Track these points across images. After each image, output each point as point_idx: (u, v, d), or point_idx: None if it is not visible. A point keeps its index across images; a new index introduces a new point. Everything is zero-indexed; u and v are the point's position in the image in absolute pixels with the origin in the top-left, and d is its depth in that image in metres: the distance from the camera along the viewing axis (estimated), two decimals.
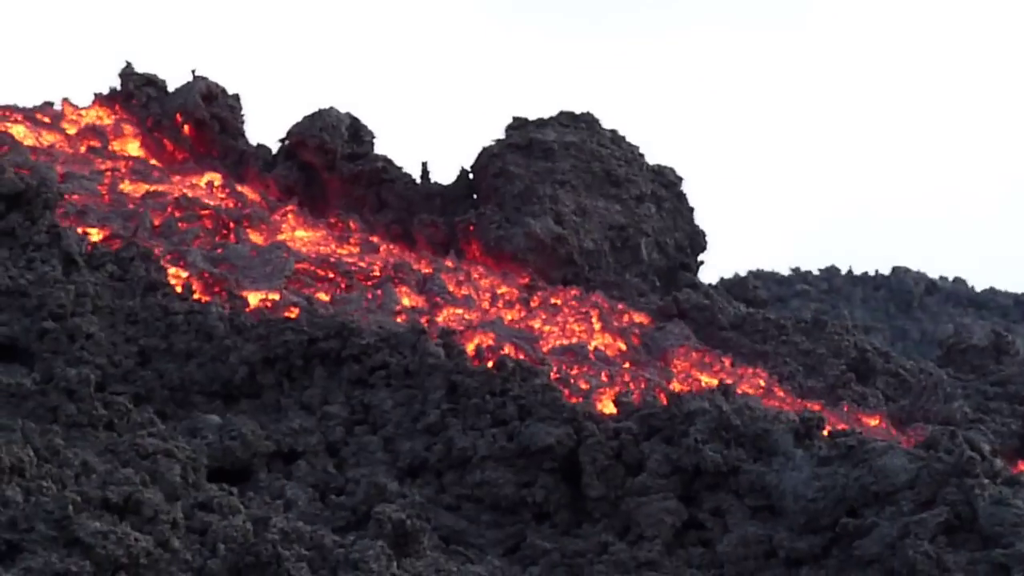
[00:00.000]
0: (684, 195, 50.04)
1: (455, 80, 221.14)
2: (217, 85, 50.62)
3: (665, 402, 31.60)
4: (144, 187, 44.24)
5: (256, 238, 42.46)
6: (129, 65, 51.32)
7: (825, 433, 29.41)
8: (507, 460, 29.79)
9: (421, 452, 30.48)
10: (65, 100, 50.14)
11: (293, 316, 34.90)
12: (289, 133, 49.47)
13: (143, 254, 36.74)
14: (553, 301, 42.19)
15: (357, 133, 49.69)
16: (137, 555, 21.57)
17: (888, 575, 25.91)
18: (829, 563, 26.89)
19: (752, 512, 28.44)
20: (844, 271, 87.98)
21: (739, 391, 36.79)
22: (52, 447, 24.43)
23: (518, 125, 48.78)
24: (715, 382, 35.80)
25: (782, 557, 27.26)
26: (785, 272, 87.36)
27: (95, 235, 38.91)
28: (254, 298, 37.16)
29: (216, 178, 46.93)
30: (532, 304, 42.00)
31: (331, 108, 49.64)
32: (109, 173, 44.85)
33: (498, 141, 48.34)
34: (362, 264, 41.93)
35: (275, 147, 50.28)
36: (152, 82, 51.00)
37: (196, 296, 36.08)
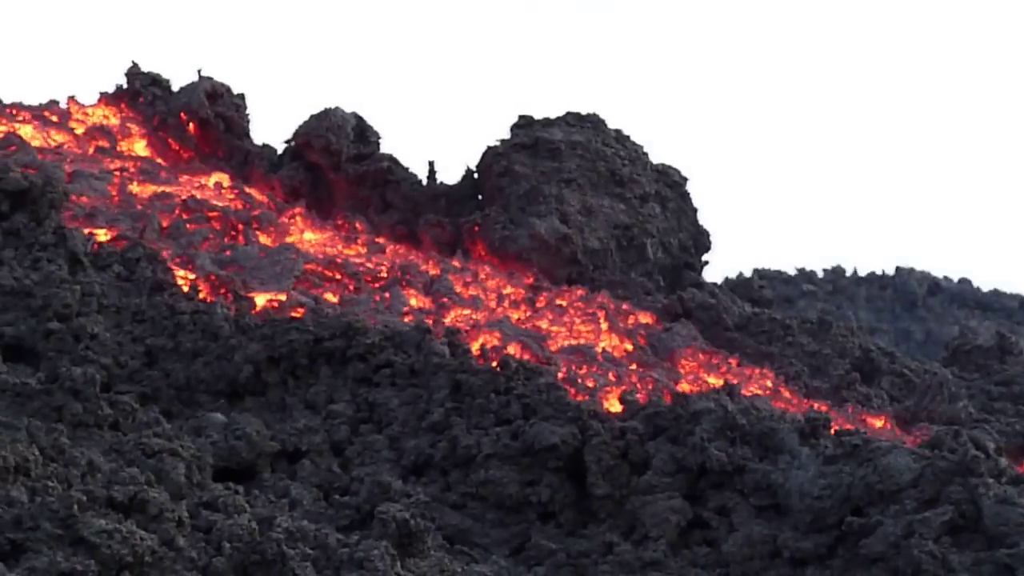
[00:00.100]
0: (688, 195, 50.12)
1: (460, 79, 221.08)
2: (222, 84, 50.70)
3: (670, 401, 31.59)
4: (152, 188, 44.29)
5: (265, 240, 42.51)
6: (135, 64, 51.42)
7: (830, 432, 29.42)
8: (512, 459, 29.78)
9: (426, 451, 30.49)
10: (71, 99, 50.23)
11: (298, 315, 34.94)
12: (295, 133, 49.56)
13: (149, 254, 36.79)
14: (559, 301, 42.23)
15: (363, 133, 49.75)
16: (142, 554, 21.57)
17: (893, 574, 25.90)
18: (834, 562, 26.88)
19: (757, 511, 28.43)
20: (849, 271, 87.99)
21: (747, 392, 36.83)
22: (57, 446, 24.44)
23: (524, 124, 48.82)
24: (722, 383, 35.81)
25: (787, 556, 27.26)
26: (790, 272, 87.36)
27: (103, 236, 38.91)
28: (262, 299, 37.21)
29: (224, 179, 46.99)
30: (538, 304, 42.04)
31: (336, 108, 49.71)
32: (118, 173, 44.92)
33: (503, 141, 48.38)
34: (369, 265, 41.98)
35: (280, 147, 50.39)
36: (157, 81, 51.11)
37: (202, 296, 36.12)
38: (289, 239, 42.75)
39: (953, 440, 27.74)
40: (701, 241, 49.69)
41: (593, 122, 49.41)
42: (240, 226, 42.73)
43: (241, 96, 50.94)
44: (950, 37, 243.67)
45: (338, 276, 40.71)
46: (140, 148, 48.94)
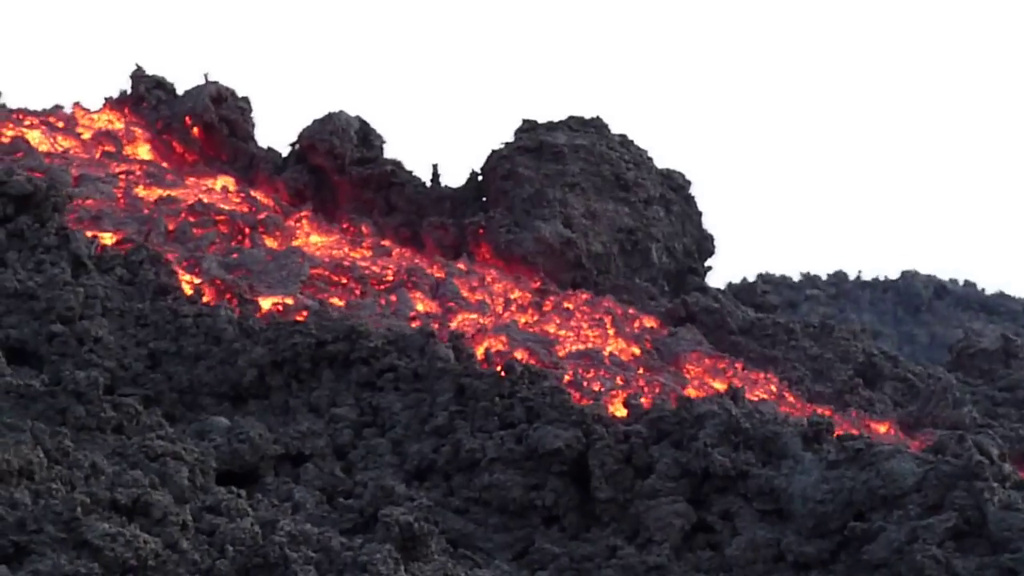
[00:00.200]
0: (693, 199, 50.12)
1: (464, 83, 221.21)
2: (227, 88, 50.77)
3: (675, 405, 31.58)
4: (158, 192, 44.34)
5: (271, 243, 42.55)
6: (140, 68, 51.47)
7: (834, 437, 29.40)
8: (516, 463, 29.76)
9: (429, 455, 30.48)
10: (76, 104, 50.33)
11: (302, 319, 34.96)
12: (299, 137, 49.61)
13: (152, 257, 36.81)
14: (566, 305, 42.24)
15: (367, 137, 49.81)
16: (145, 557, 21.59)
17: None
18: (837, 567, 26.86)
19: (761, 516, 28.41)
20: (853, 275, 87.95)
21: (753, 397, 36.82)
22: (61, 449, 24.46)
23: (528, 128, 48.85)
24: (727, 388, 35.78)
25: (790, 561, 27.24)
26: (794, 276, 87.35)
27: (109, 239, 38.93)
28: (267, 303, 37.23)
29: (230, 183, 47.04)
30: (544, 308, 42.03)
31: (340, 112, 49.78)
32: (124, 177, 44.99)
33: (507, 144, 48.40)
34: (375, 269, 42.00)
35: (285, 150, 50.45)
36: (162, 85, 51.18)
37: (207, 300, 36.14)
38: (295, 242, 42.81)
39: (957, 445, 27.71)
40: (705, 245, 49.69)
41: (596, 126, 49.43)
42: (247, 230, 42.78)
43: (246, 100, 51.03)
44: (953, 42, 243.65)
45: (344, 280, 40.74)
46: (144, 152, 49.00)
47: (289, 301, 37.43)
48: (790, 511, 27.92)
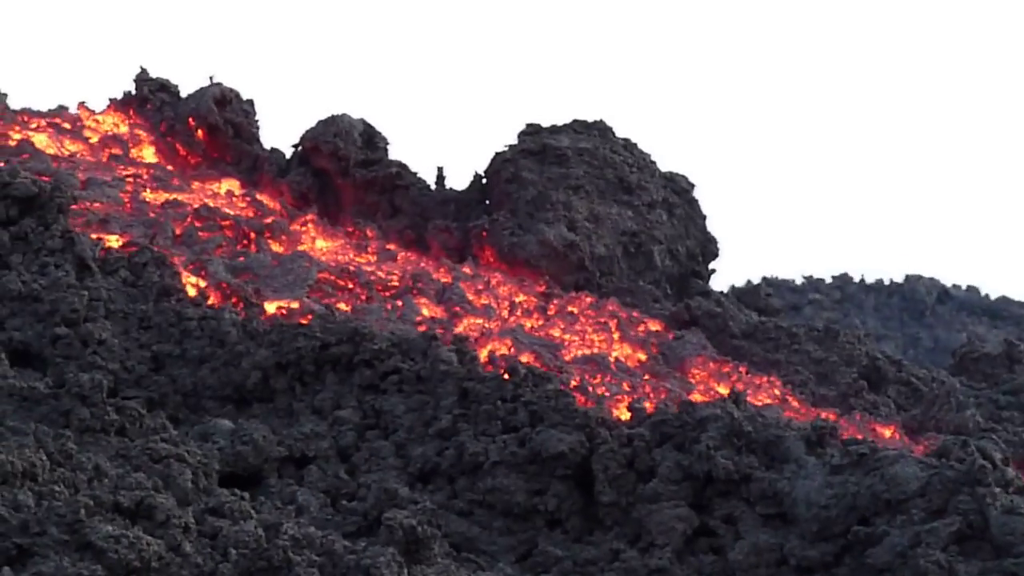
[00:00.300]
0: (696, 202, 50.05)
1: (468, 86, 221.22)
2: (231, 90, 50.68)
3: (677, 409, 31.56)
4: (164, 195, 44.32)
5: (277, 248, 42.53)
6: (143, 70, 51.45)
7: (837, 441, 29.38)
8: (519, 466, 29.76)
9: (433, 458, 30.49)
10: (81, 105, 50.26)
11: (306, 322, 34.95)
12: (303, 139, 49.52)
13: (157, 259, 36.81)
14: (570, 309, 42.22)
15: (371, 139, 49.74)
16: (149, 559, 21.61)
17: None
18: (840, 571, 26.87)
19: (764, 520, 28.39)
20: (857, 279, 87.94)
21: (757, 401, 36.78)
22: (65, 451, 24.49)
23: (531, 131, 48.79)
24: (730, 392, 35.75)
25: (793, 565, 27.24)
26: (798, 280, 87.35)
27: (116, 242, 38.91)
28: (272, 308, 37.23)
29: (235, 186, 47.00)
30: (549, 312, 42.01)
31: (344, 114, 49.69)
32: (131, 180, 44.99)
33: (511, 147, 48.36)
34: (380, 274, 41.97)
35: (289, 152, 50.38)
36: (166, 87, 51.13)
37: (211, 303, 36.13)
38: (301, 247, 42.76)
39: (960, 450, 27.71)
40: (709, 249, 49.65)
41: (600, 129, 49.39)
42: (252, 234, 42.74)
43: (250, 102, 50.94)
44: (957, 47, 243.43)
45: (350, 285, 40.71)
46: (149, 154, 48.96)
47: (295, 305, 37.43)
48: (793, 515, 27.91)
